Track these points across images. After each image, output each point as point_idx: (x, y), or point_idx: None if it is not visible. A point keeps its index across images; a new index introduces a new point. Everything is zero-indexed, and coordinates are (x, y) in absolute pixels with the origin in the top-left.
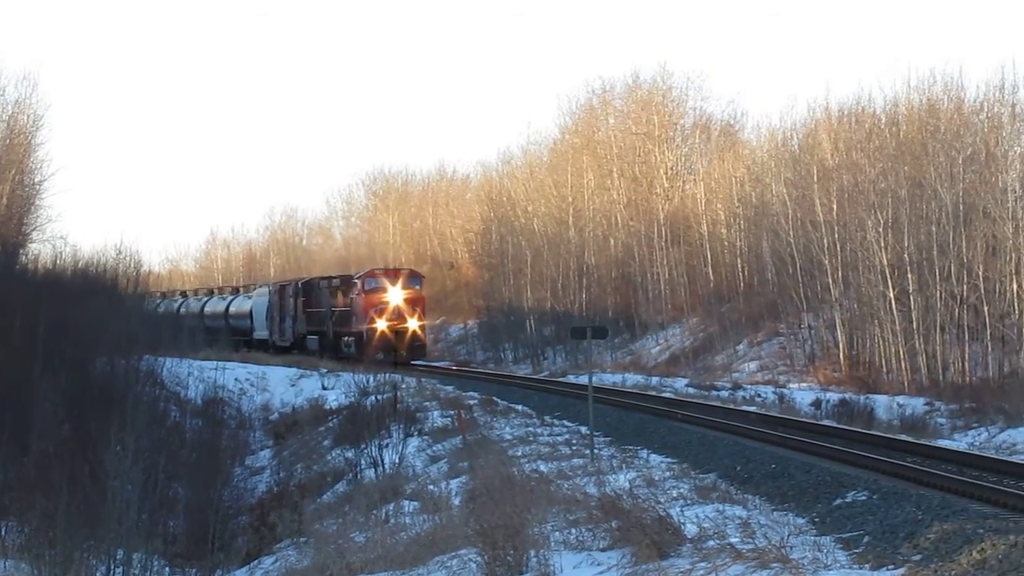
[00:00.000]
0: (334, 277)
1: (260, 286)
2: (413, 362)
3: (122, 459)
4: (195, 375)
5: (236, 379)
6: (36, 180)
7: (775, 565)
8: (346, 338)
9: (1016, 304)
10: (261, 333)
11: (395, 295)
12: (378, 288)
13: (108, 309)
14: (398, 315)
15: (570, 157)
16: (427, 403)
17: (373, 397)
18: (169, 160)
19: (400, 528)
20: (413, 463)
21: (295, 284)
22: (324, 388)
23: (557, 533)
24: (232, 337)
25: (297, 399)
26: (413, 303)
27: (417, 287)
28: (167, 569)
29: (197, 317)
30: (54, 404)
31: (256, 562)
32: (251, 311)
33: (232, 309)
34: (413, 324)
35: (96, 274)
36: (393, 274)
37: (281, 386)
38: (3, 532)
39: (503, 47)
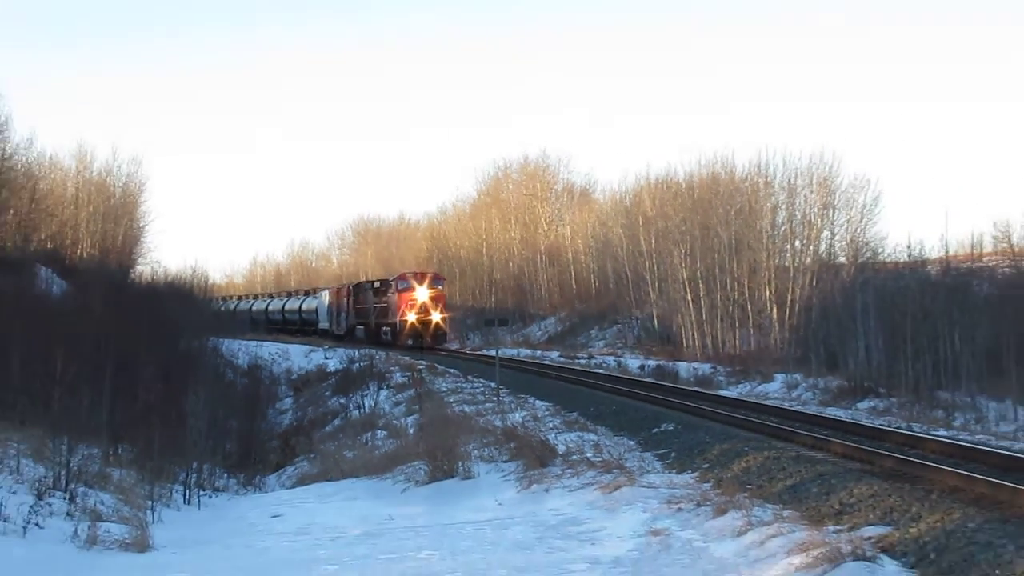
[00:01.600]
0: (376, 280)
1: (322, 289)
2: (436, 347)
3: (196, 404)
4: (243, 350)
5: (269, 352)
6: (141, 225)
7: (615, 470)
8: (384, 328)
9: (768, 305)
10: (324, 325)
11: (422, 293)
12: (408, 288)
13: (187, 307)
14: (424, 310)
15: (484, 210)
16: (392, 368)
17: (357, 364)
18: (224, 204)
19: (375, 448)
20: (383, 407)
21: (348, 286)
22: (326, 358)
23: (476, 451)
24: (303, 327)
25: (309, 365)
26: (436, 300)
27: (440, 287)
28: (225, 474)
29: (280, 312)
30: (153, 369)
31: (282, 470)
32: (317, 308)
33: (304, 307)
34: (436, 317)
35: (179, 285)
36: (420, 276)
37: (299, 357)
38: (120, 452)
39: (442, 135)
